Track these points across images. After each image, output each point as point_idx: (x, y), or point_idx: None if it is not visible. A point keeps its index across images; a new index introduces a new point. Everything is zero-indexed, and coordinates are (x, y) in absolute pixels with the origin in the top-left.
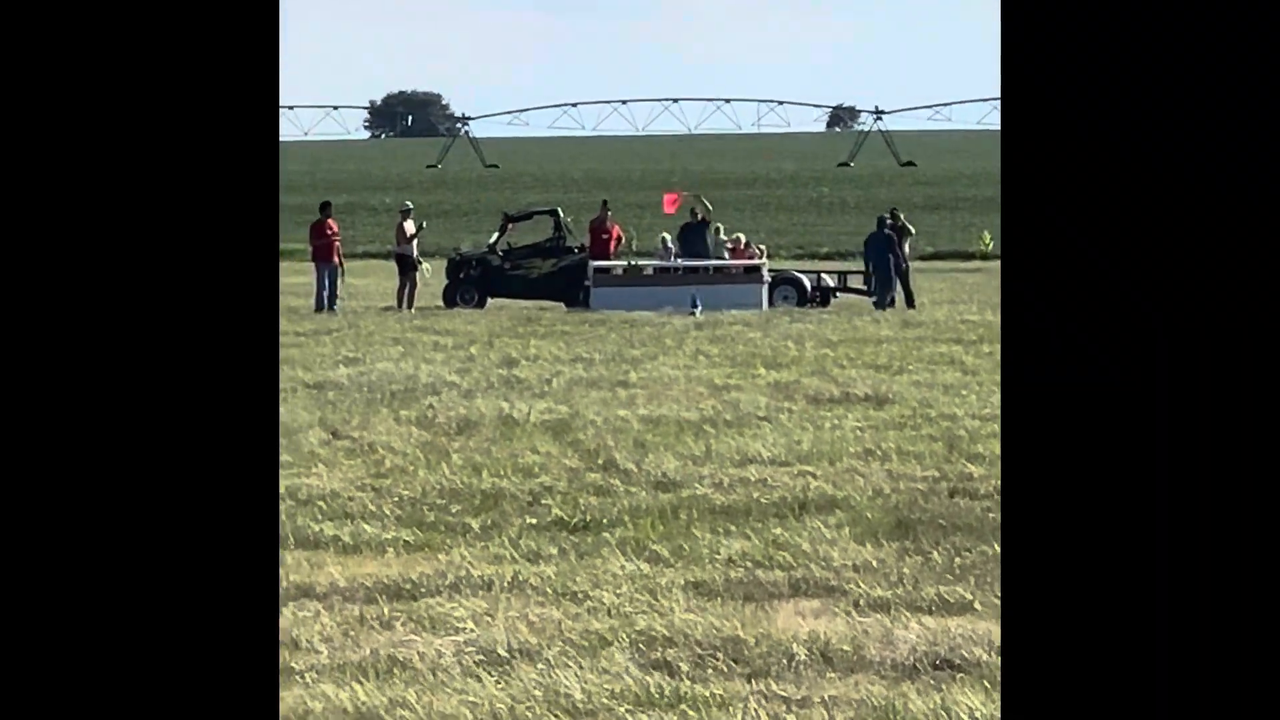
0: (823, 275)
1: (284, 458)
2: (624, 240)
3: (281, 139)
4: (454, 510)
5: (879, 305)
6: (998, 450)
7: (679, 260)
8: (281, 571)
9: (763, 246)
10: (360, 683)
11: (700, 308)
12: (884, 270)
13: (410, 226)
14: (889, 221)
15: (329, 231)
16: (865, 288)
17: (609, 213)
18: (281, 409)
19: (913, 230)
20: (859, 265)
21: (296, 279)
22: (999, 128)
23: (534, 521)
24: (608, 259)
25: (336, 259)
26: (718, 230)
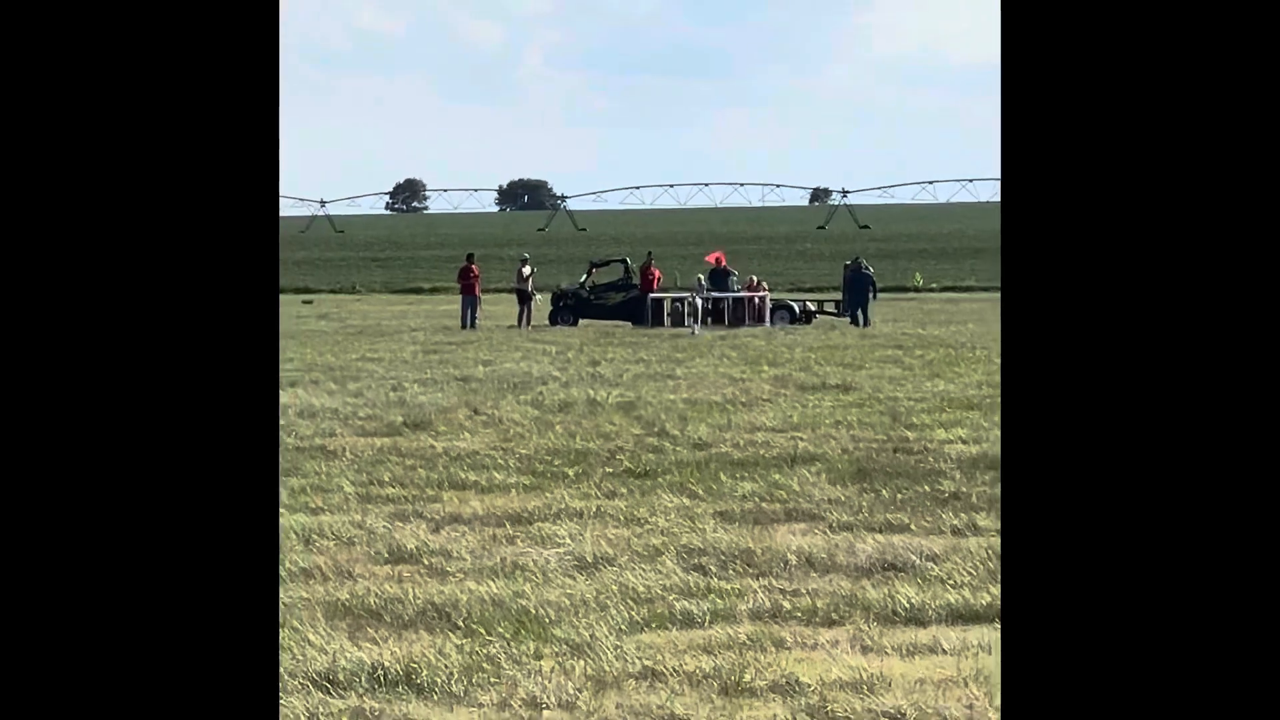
0: (807, 302)
1: (439, 428)
2: (661, 280)
3: (436, 211)
4: (556, 463)
5: (854, 323)
6: (928, 420)
7: (710, 294)
8: (439, 505)
9: (766, 283)
10: (493, 580)
11: (697, 329)
12: (861, 299)
13: (527, 270)
14: (865, 266)
15: (472, 274)
16: (835, 311)
17: (653, 261)
18: (438, 395)
19: (872, 270)
20: (833, 295)
21: (448, 307)
22: (931, 201)
23: (611, 470)
24: (653, 293)
25: (477, 292)
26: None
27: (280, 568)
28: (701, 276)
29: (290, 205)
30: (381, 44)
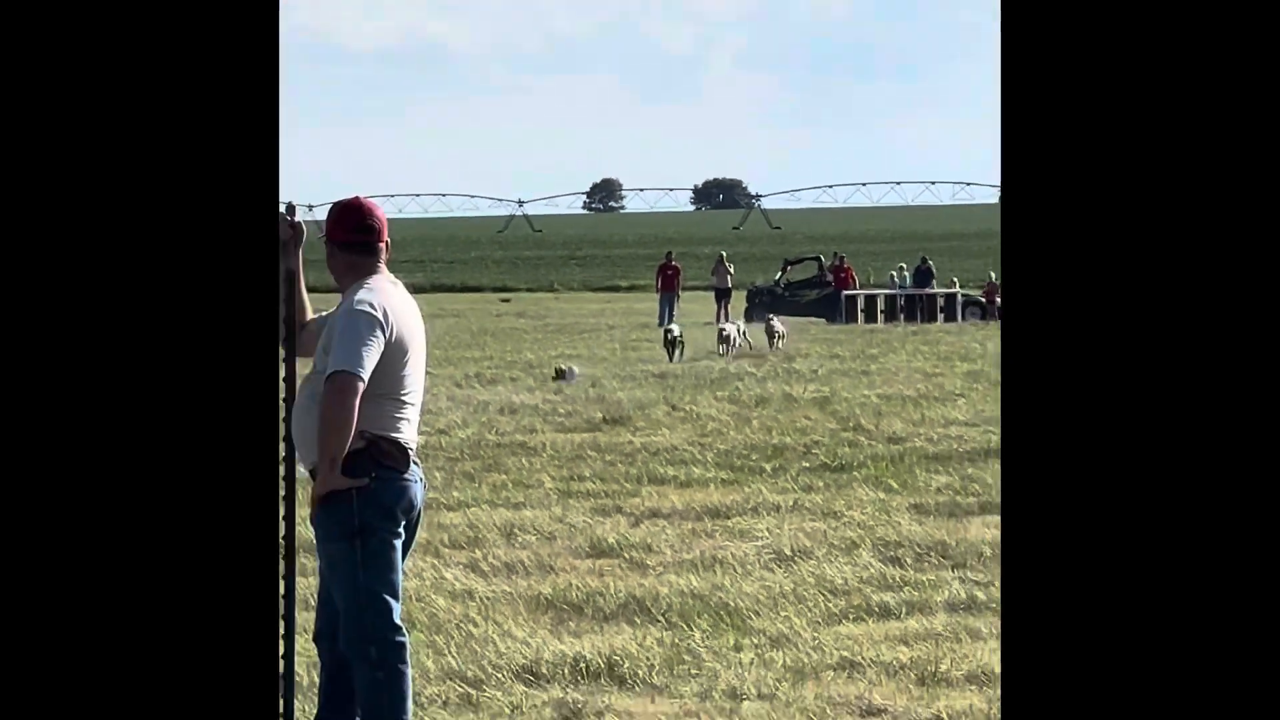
0: (997, 299)
1: (638, 423)
2: (855, 278)
3: (633, 211)
4: (754, 458)
5: None
6: None
7: (903, 290)
8: (638, 500)
9: (955, 279)
10: (693, 574)
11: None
12: None
13: (730, 267)
14: None
15: (669, 271)
16: None
17: (842, 259)
18: (636, 391)
19: None
20: None
21: (645, 304)
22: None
23: (807, 465)
24: (847, 290)
25: (676, 289)
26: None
27: (482, 562)
28: (903, 267)
29: (488, 205)
30: (573, 46)
